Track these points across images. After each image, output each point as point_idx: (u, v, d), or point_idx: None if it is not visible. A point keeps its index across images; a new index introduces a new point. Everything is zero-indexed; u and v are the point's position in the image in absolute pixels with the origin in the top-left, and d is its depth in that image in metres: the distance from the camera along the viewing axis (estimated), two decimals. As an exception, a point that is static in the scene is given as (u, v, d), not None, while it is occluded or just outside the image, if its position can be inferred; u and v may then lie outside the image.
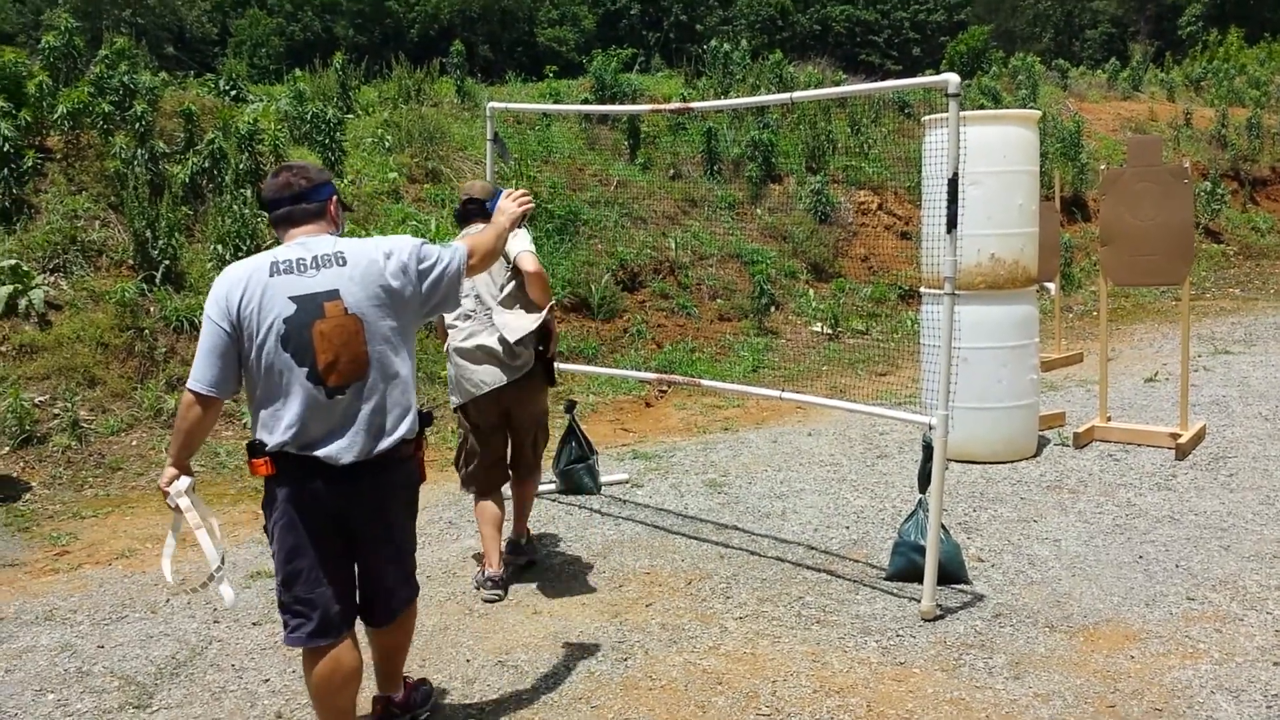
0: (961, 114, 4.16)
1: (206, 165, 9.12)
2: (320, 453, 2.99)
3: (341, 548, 3.13)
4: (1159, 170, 6.75)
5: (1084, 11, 44.70)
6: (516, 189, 3.77)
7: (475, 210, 4.65)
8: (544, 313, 4.62)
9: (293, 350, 2.96)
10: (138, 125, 9.10)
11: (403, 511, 3.27)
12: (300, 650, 3.17)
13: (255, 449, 3.03)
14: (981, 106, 15.57)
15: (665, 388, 8.99)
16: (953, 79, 4.13)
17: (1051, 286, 9.62)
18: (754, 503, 5.93)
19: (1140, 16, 43.12)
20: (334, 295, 2.99)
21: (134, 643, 4.29)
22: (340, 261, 3.04)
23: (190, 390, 3.00)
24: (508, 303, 4.59)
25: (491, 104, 6.18)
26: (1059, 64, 22.76)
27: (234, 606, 4.24)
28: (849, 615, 4.33)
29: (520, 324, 4.56)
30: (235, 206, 8.82)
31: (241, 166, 9.29)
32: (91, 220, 8.62)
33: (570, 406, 6.34)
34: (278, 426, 2.99)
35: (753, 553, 5.12)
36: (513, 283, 4.60)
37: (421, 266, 3.17)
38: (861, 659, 3.92)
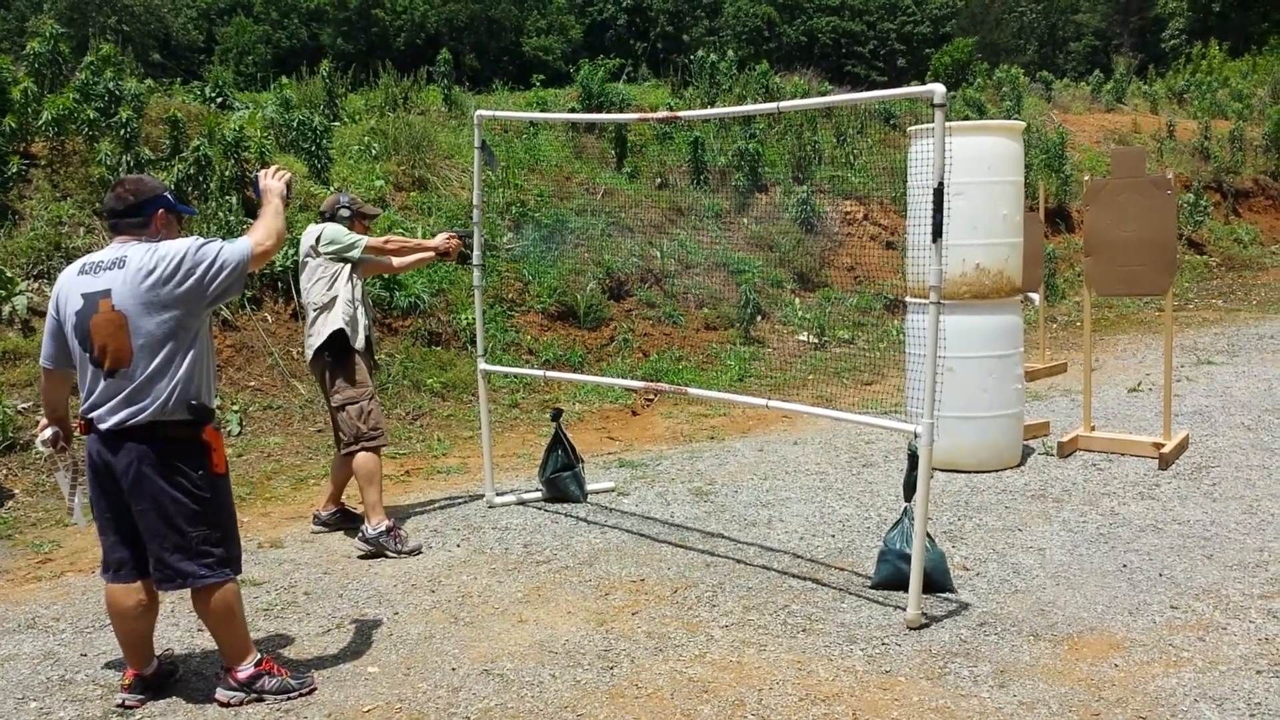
0: (946, 125, 4.18)
1: (192, 172, 9.08)
2: (92, 415, 3.59)
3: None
4: (1142, 182, 6.79)
5: (1068, 24, 45.03)
6: (273, 168, 4.04)
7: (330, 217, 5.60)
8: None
9: (79, 338, 3.57)
10: (123, 132, 9.07)
11: (167, 484, 3.58)
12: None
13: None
14: (966, 118, 15.67)
15: (651, 396, 9.00)
16: (938, 90, 4.14)
17: (1036, 297, 9.66)
18: (740, 511, 5.94)
19: (1124, 30, 43.49)
20: (107, 294, 3.52)
21: (117, 651, 4.25)
22: (120, 266, 3.54)
23: (40, 364, 3.83)
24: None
25: (479, 112, 6.18)
26: (1043, 76, 22.90)
27: (81, 528, 4.56)
28: (835, 624, 4.34)
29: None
30: (221, 214, 8.80)
31: (227, 174, 9.25)
32: (76, 227, 8.59)
33: (556, 415, 6.34)
34: (81, 395, 3.64)
35: (739, 561, 5.12)
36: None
37: (200, 265, 3.55)
38: (847, 667, 3.93)
